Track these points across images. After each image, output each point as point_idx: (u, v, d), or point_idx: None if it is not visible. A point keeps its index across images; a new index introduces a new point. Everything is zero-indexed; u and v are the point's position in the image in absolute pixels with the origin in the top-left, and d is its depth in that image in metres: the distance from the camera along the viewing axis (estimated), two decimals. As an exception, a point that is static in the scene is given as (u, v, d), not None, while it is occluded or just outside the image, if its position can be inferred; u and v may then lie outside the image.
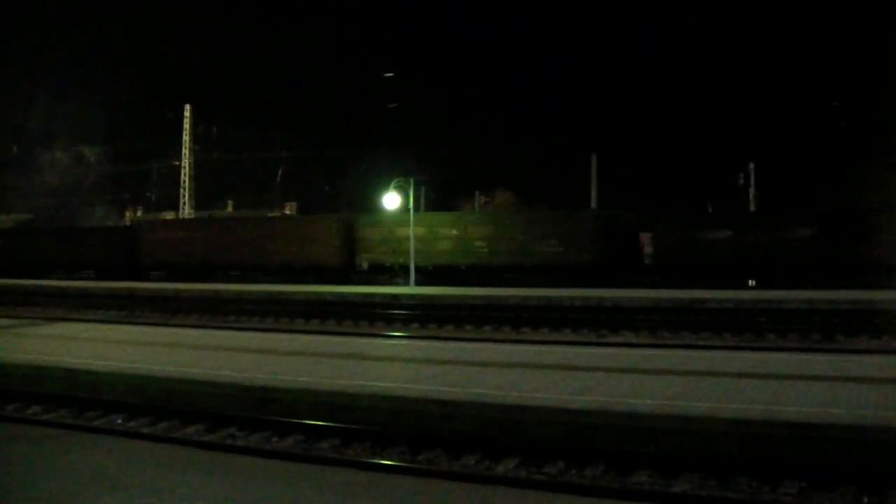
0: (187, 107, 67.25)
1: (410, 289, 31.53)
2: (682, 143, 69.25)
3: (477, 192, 70.21)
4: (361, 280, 37.72)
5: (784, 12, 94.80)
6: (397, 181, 34.48)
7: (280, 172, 79.49)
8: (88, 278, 43.14)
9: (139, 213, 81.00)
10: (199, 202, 70.55)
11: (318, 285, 33.54)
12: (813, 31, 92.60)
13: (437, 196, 62.12)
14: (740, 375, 11.12)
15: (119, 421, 10.95)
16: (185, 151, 67.35)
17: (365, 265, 38.53)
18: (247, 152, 73.05)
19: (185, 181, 68.05)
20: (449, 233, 37.38)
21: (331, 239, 38.94)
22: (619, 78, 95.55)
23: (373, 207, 41.67)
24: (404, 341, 17.85)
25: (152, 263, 43.57)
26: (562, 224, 36.26)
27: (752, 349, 15.71)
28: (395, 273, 37.59)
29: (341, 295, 28.85)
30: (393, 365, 13.05)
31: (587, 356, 13.40)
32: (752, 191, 50.94)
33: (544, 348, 14.96)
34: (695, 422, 8.59)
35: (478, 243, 36.77)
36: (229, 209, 79.33)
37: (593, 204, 55.24)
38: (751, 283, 34.56)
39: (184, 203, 68.02)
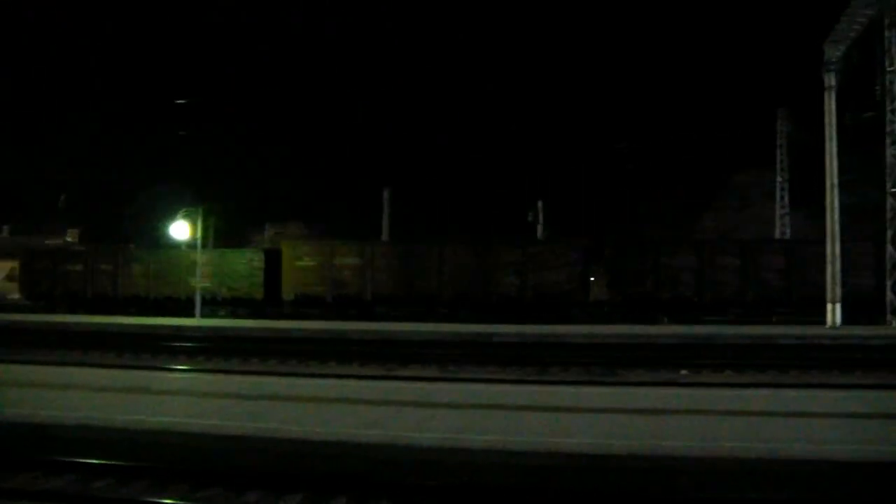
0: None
1: (197, 320, 30.76)
2: (474, 181, 71.09)
3: (267, 224, 69.39)
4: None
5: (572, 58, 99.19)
6: (185, 210, 33.68)
7: (62, 198, 75.77)
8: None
9: None
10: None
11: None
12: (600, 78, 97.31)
13: (227, 226, 60.87)
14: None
15: None
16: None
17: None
18: (28, 176, 69.32)
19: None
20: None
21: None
22: (415, 114, 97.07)
23: (161, 237, 40.37)
24: (188, 374, 17.35)
25: (295, 297, 37.33)
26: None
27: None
28: None
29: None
30: (176, 399, 12.65)
31: (375, 390, 13.46)
32: (540, 227, 53.00)
33: (332, 382, 14.93)
34: (479, 454, 8.79)
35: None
36: (5, 234, 74.92)
37: (384, 237, 55.86)
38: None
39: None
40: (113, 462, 9.36)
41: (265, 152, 76.11)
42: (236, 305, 37.99)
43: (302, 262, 36.85)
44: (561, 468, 8.49)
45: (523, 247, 36.11)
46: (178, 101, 42.82)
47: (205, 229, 34.66)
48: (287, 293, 36.80)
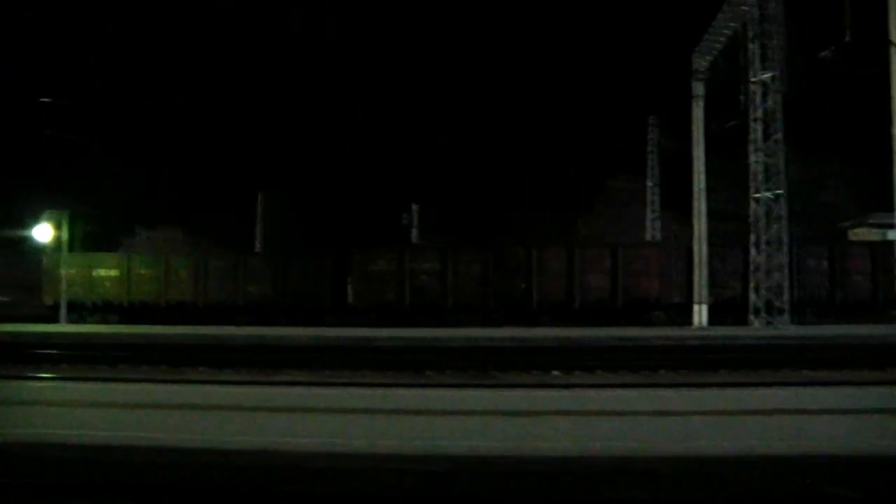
0: None
1: (63, 326, 29.70)
2: (349, 185, 70.72)
3: (137, 226, 67.27)
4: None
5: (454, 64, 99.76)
6: (50, 213, 32.51)
7: None
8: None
9: None
10: None
11: None
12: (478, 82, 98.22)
13: (95, 230, 59.00)
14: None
15: None
16: None
17: None
18: None
19: None
20: None
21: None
22: (287, 115, 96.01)
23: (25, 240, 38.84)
24: (55, 383, 16.62)
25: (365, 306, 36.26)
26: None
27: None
28: None
29: None
30: (43, 410, 12.09)
31: (255, 396, 13.20)
32: (414, 231, 53.12)
33: (210, 388, 14.56)
34: (354, 459, 8.68)
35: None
36: None
37: (258, 243, 55.07)
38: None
39: None
40: None
41: (136, 153, 73.84)
42: (297, 312, 36.70)
43: (376, 266, 36.04)
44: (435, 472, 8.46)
45: (616, 249, 35.88)
46: (43, 100, 41.19)
47: (71, 232, 33.54)
48: (356, 300, 36.12)
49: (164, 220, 68.92)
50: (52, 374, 18.97)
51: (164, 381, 16.68)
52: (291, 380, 18.17)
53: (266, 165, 72.56)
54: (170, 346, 24.54)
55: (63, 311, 32.76)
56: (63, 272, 33.91)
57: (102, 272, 37.76)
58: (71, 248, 34.24)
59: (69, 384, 15.95)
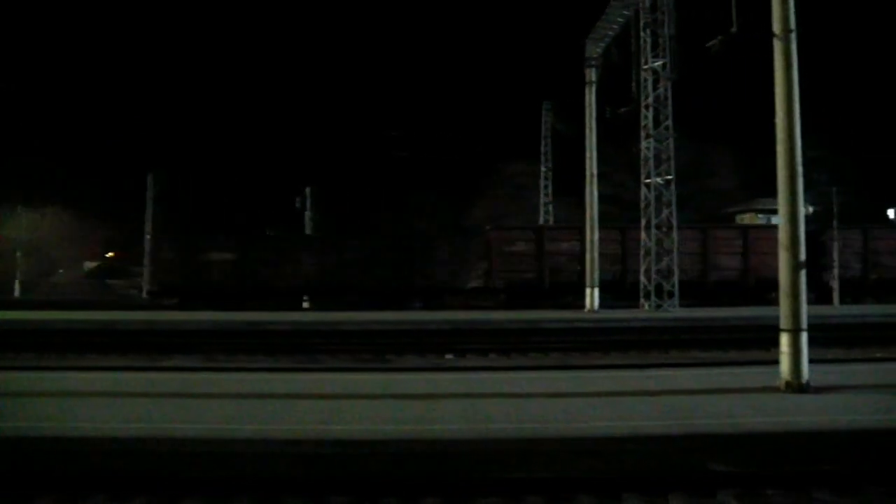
0: None
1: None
2: (241, 166, 69.77)
3: (20, 207, 64.69)
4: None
5: (341, 45, 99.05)
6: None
7: None
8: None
9: None
10: None
11: None
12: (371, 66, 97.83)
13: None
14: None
15: None
16: None
17: None
18: None
19: None
20: None
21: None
22: (178, 96, 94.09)
23: None
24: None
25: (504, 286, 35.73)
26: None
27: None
28: None
29: None
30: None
31: (141, 381, 12.90)
32: (308, 214, 52.53)
33: (95, 375, 14.16)
34: (247, 444, 8.57)
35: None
36: None
37: (148, 224, 53.78)
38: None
39: None
40: None
41: (20, 129, 71.04)
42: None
43: (514, 246, 36.08)
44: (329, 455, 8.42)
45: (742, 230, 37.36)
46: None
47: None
48: (492, 281, 36.05)
49: (51, 200, 66.63)
50: None
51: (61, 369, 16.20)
52: (176, 365, 17.85)
53: (156, 145, 70.99)
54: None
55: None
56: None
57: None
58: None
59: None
